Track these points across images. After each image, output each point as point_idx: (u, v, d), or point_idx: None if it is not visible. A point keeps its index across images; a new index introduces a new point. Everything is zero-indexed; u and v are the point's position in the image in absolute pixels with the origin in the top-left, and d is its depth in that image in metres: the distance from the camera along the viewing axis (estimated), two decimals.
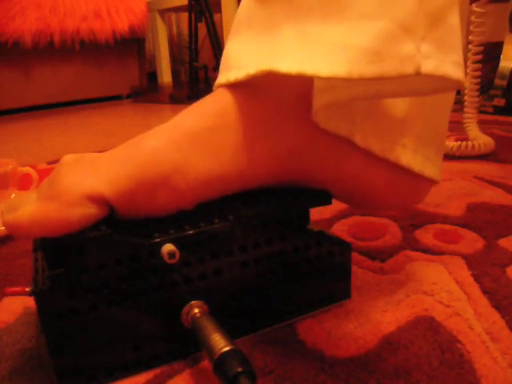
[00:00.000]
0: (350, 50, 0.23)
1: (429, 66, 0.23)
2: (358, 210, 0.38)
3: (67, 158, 0.27)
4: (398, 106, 0.30)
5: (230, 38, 0.30)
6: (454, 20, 0.24)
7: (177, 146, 0.26)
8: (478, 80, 0.69)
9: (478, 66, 0.68)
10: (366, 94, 0.27)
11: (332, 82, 0.26)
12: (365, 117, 0.29)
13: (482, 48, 0.66)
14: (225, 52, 0.30)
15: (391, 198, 0.32)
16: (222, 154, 0.27)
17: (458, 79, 0.24)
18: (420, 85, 0.26)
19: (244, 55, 0.28)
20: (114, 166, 0.25)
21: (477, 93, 0.70)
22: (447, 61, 0.24)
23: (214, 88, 0.30)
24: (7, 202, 0.25)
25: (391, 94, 0.28)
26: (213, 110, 0.27)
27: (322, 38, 0.24)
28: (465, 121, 0.74)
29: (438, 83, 0.25)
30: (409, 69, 0.23)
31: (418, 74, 0.23)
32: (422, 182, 0.33)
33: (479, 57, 0.67)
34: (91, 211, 0.24)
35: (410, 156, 0.31)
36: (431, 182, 0.33)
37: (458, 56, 0.24)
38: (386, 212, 0.44)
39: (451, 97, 0.34)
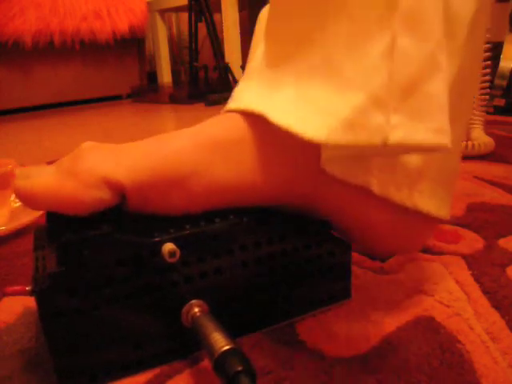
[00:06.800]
0: (331, 118, 0.25)
1: (396, 137, 0.24)
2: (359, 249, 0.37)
3: (87, 144, 0.27)
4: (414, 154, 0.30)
5: (241, 80, 0.32)
6: (433, 87, 0.25)
7: (199, 150, 0.26)
8: (487, 78, 0.69)
9: (487, 63, 0.67)
10: (367, 152, 0.27)
11: None
12: (381, 166, 0.30)
13: (488, 46, 0.66)
14: (234, 91, 0.32)
15: (396, 239, 0.33)
16: (240, 165, 0.27)
17: (438, 144, 0.25)
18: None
19: (246, 94, 0.29)
20: (135, 156, 0.26)
21: (486, 91, 0.70)
22: (422, 128, 0.25)
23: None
24: (23, 169, 0.25)
25: (390, 154, 0.29)
26: (236, 124, 0.28)
27: (315, 100, 0.25)
28: (473, 117, 0.74)
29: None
30: (377, 139, 0.24)
31: (385, 144, 0.24)
32: (432, 222, 0.33)
33: (487, 55, 0.67)
34: (105, 196, 0.24)
35: (426, 201, 0.31)
36: (440, 220, 0.33)
37: (437, 122, 0.25)
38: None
39: (462, 138, 0.34)
